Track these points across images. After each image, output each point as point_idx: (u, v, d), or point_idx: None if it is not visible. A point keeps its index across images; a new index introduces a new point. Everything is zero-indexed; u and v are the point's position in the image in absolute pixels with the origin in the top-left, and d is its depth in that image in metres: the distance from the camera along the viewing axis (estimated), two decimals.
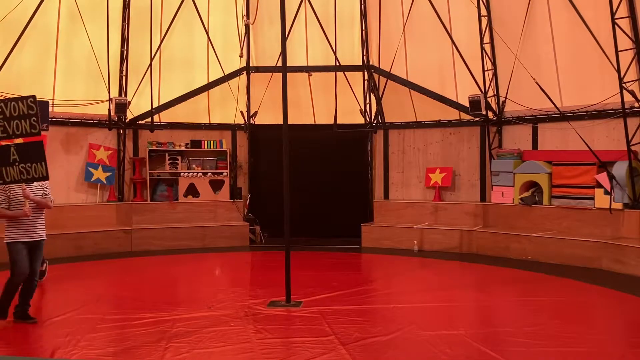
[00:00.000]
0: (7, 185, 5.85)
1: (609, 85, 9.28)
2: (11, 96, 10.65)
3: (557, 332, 5.51)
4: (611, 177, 9.15)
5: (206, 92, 12.36)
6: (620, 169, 9.11)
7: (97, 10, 11.04)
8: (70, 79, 11.21)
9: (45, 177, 5.95)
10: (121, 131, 11.80)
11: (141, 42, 11.55)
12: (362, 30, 12.34)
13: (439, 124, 11.84)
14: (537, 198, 10.28)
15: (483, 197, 11.33)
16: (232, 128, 12.52)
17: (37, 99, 6.09)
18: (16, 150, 5.81)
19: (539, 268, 8.89)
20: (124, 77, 11.70)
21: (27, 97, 5.94)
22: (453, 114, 11.69)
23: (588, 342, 5.24)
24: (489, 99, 10.96)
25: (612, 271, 8.58)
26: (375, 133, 12.45)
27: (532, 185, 10.40)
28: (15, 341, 5.34)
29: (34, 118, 5.90)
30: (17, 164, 5.80)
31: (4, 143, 6.00)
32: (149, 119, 11.76)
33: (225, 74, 12.09)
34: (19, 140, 5.98)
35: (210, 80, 12.27)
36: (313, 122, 12.68)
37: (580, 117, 9.87)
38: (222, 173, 12.20)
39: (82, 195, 11.52)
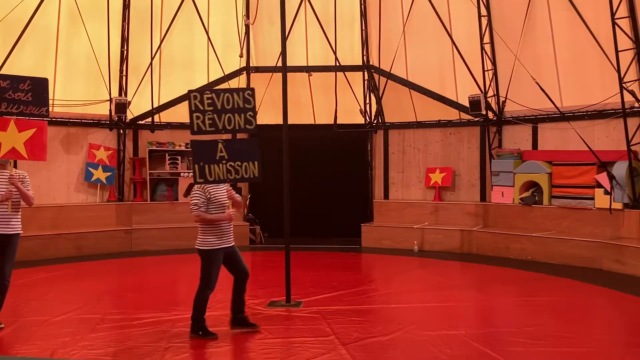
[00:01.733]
0: (205, 186, 5.27)
1: (609, 85, 9.28)
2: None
3: (557, 332, 5.51)
4: (611, 177, 9.15)
5: None
6: (620, 169, 9.11)
7: (97, 10, 11.05)
8: (70, 79, 11.22)
9: (258, 178, 5.50)
10: (121, 131, 11.80)
11: (141, 42, 11.56)
12: (362, 30, 12.34)
13: (439, 124, 11.84)
14: (537, 198, 10.28)
15: (483, 197, 11.33)
16: None
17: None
18: (225, 147, 5.35)
19: (539, 268, 8.89)
20: (124, 77, 11.71)
21: (244, 89, 5.56)
22: (453, 114, 11.69)
23: (588, 342, 5.24)
24: (489, 99, 10.96)
25: (612, 271, 8.58)
26: (375, 133, 12.45)
27: (532, 185, 10.40)
28: (15, 341, 5.34)
29: (250, 113, 5.47)
30: (224, 162, 5.32)
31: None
32: (149, 119, 11.77)
33: (225, 74, 12.09)
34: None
35: (210, 80, 12.27)
36: (313, 122, 12.68)
37: (580, 117, 9.87)
38: None
39: (82, 195, 11.53)
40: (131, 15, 11.54)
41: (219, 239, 5.27)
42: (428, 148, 11.96)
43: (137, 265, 9.63)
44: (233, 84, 12.26)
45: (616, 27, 8.75)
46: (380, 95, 12.10)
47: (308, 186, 12.06)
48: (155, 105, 11.66)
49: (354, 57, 12.43)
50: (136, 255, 10.44)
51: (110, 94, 11.30)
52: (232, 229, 5.41)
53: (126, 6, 11.48)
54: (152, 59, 11.46)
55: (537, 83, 9.89)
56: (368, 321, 5.90)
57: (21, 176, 5.69)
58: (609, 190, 9.22)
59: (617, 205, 9.15)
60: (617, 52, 8.80)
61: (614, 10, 8.72)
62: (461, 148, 11.65)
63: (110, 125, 11.56)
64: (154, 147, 11.92)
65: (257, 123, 13.14)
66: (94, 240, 10.59)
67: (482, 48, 10.87)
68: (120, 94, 11.61)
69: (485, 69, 10.93)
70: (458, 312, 6.51)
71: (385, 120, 12.26)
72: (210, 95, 5.39)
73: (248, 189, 12.55)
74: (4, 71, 10.27)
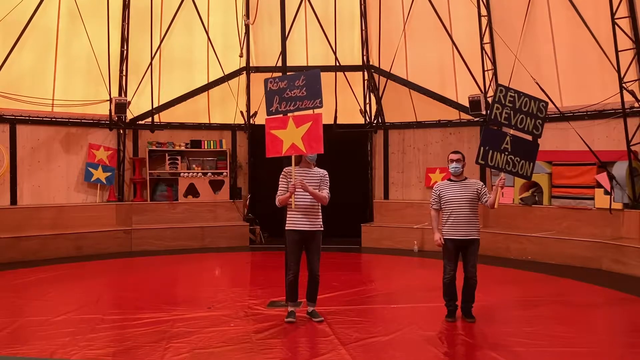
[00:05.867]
0: (439, 187, 5.99)
1: (609, 85, 9.28)
2: (11, 96, 10.74)
3: (557, 332, 5.51)
4: (611, 177, 9.15)
5: (206, 92, 12.37)
6: (620, 169, 9.11)
7: (97, 10, 11.06)
8: (70, 79, 11.23)
9: (528, 178, 6.11)
10: (121, 131, 11.80)
11: (141, 42, 11.56)
12: (362, 30, 12.34)
13: (439, 124, 11.84)
14: (537, 198, 10.28)
15: None
16: (232, 128, 12.52)
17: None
18: (511, 141, 5.90)
19: (539, 268, 8.88)
20: (124, 77, 11.71)
21: (541, 100, 6.06)
22: (453, 114, 11.70)
23: (588, 342, 5.24)
24: (488, 99, 10.95)
25: (612, 271, 8.58)
26: (375, 133, 12.45)
27: (532, 185, 10.40)
28: (15, 341, 5.34)
29: (540, 121, 5.99)
30: (506, 153, 5.89)
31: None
32: (149, 119, 11.76)
33: (225, 74, 12.09)
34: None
35: (210, 80, 12.28)
36: None
37: (580, 117, 9.87)
38: (222, 173, 12.20)
39: (82, 195, 11.53)
40: (131, 15, 11.55)
41: (448, 229, 5.88)
42: (428, 148, 11.96)
43: (137, 265, 9.62)
44: (233, 84, 12.27)
45: (616, 27, 8.75)
46: (380, 95, 12.09)
47: None
48: (155, 105, 11.66)
49: (354, 57, 12.43)
50: (136, 255, 10.44)
51: (110, 94, 11.29)
52: (468, 223, 5.87)
53: (126, 6, 11.48)
54: (152, 59, 11.46)
55: (537, 83, 9.88)
56: (368, 321, 5.90)
57: (321, 174, 6.23)
58: (609, 190, 9.22)
59: (617, 205, 9.15)
60: (617, 52, 8.80)
61: (614, 10, 8.72)
62: (461, 148, 11.60)
63: (110, 125, 11.56)
64: (154, 147, 11.92)
65: (257, 123, 13.24)
66: (94, 240, 10.59)
67: (482, 48, 10.87)
68: (120, 94, 11.61)
69: (485, 69, 10.93)
70: (458, 312, 6.50)
71: (385, 120, 12.26)
72: (513, 94, 5.95)
73: (248, 189, 12.55)
74: (4, 71, 10.29)
